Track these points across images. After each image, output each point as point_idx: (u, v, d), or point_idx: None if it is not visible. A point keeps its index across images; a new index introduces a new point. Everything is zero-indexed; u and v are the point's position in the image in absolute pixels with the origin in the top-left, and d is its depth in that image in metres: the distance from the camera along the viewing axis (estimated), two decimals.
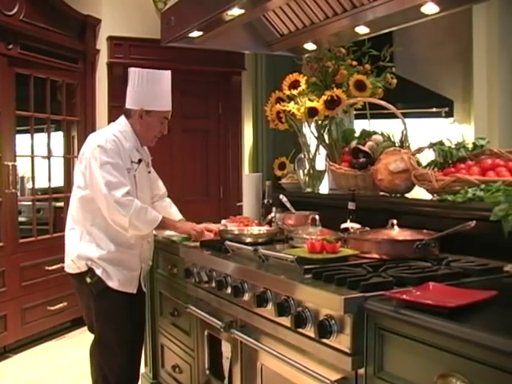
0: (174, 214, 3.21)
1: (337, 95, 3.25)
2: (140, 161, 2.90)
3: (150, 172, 3.09)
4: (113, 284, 2.80)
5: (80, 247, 2.83)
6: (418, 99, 5.75)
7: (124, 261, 2.84)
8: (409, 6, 2.77)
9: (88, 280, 2.79)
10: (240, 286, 2.24)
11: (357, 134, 3.24)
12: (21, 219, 4.74)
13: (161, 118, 2.91)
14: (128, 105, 2.92)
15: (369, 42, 3.41)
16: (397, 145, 2.95)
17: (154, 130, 2.92)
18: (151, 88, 2.87)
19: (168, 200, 3.28)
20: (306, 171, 3.53)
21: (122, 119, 2.94)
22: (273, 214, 2.97)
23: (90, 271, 2.79)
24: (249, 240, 2.65)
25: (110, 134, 2.83)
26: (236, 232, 2.79)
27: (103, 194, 2.70)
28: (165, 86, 2.91)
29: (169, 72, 2.96)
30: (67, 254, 2.90)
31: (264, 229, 2.87)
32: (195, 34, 3.34)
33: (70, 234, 2.90)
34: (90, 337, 3.02)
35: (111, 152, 2.76)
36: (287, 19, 3.44)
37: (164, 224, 2.86)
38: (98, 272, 2.78)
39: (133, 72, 2.91)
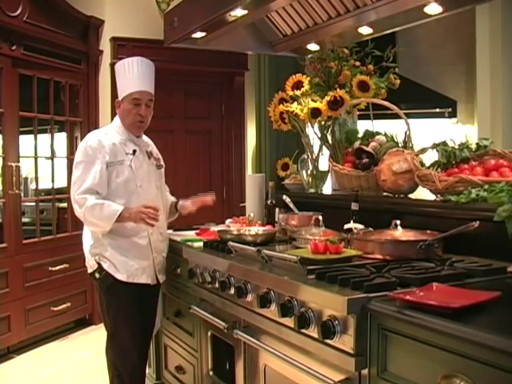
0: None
1: (340, 96, 3.25)
2: (134, 151, 2.87)
3: (161, 166, 3.07)
4: (121, 276, 2.79)
5: (90, 244, 2.86)
6: (421, 100, 5.74)
7: (131, 249, 2.82)
8: (412, 6, 2.77)
9: (97, 275, 2.82)
10: (243, 286, 2.24)
11: (360, 135, 3.25)
12: (24, 220, 4.75)
13: (130, 99, 2.87)
14: None
15: (372, 43, 3.41)
16: (400, 145, 2.95)
17: (130, 115, 2.89)
18: (122, 78, 2.92)
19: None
20: (309, 172, 3.53)
21: (116, 116, 3.00)
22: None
23: (99, 267, 2.81)
24: (248, 239, 2.65)
25: (97, 133, 2.92)
26: (235, 232, 2.80)
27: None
28: (133, 70, 2.89)
29: (139, 58, 2.93)
30: (85, 253, 2.94)
31: (263, 229, 2.88)
32: (198, 34, 3.34)
33: (85, 234, 2.94)
34: (93, 337, 3.04)
35: (89, 150, 2.79)
36: (290, 20, 3.44)
37: (123, 218, 2.73)
38: (105, 266, 2.79)
39: (115, 68, 2.97)
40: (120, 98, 2.92)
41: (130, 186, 2.83)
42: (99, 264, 2.81)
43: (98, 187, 2.75)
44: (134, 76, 2.89)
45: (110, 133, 2.91)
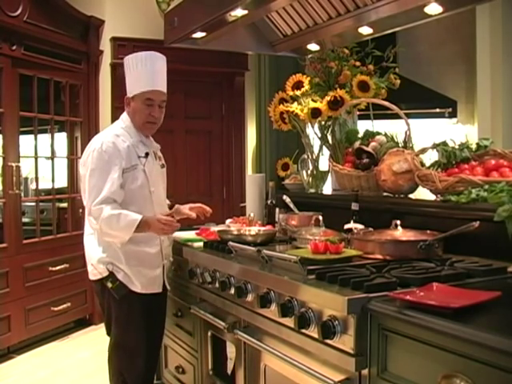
0: None
1: (340, 96, 3.25)
2: (147, 154, 2.75)
3: (163, 165, 2.95)
4: (135, 288, 2.69)
5: (99, 251, 2.72)
6: (421, 100, 5.74)
7: (144, 260, 2.72)
8: (412, 6, 2.77)
9: (109, 285, 2.68)
10: (243, 286, 2.24)
11: (360, 135, 3.25)
12: (24, 220, 4.75)
13: (143, 99, 2.72)
14: None
15: (372, 43, 3.41)
16: (400, 145, 2.95)
17: (142, 115, 2.74)
18: (133, 73, 2.75)
19: None
20: (309, 172, 3.53)
21: (123, 114, 2.84)
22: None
23: (111, 275, 2.68)
24: (248, 239, 2.65)
25: (110, 135, 2.73)
26: (235, 232, 2.79)
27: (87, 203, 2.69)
28: (147, 66, 2.73)
29: (153, 53, 2.78)
30: (87, 259, 2.80)
31: (263, 229, 2.88)
32: (198, 34, 3.34)
33: (89, 239, 2.80)
34: (93, 337, 3.03)
35: (105, 155, 2.64)
36: (290, 20, 3.44)
37: (142, 228, 2.60)
38: (120, 276, 2.68)
39: (124, 60, 2.81)
40: (130, 94, 2.76)
41: (144, 192, 2.70)
42: (111, 273, 2.69)
43: (116, 195, 2.61)
44: (146, 72, 2.72)
45: (121, 134, 2.73)
